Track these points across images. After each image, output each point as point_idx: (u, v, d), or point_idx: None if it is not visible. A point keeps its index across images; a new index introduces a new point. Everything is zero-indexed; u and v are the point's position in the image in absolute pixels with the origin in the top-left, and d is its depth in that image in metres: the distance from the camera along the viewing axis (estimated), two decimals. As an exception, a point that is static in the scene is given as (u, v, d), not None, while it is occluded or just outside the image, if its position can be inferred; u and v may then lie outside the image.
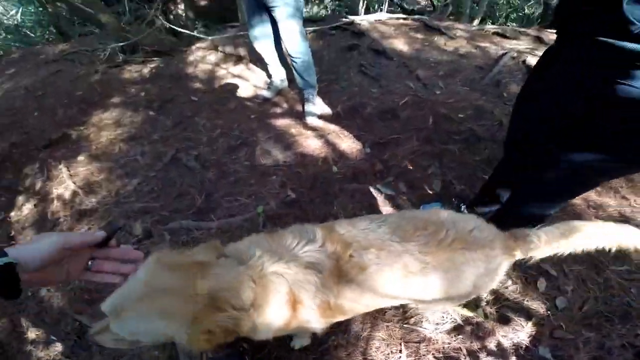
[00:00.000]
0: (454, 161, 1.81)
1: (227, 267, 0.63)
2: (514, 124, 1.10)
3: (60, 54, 3.56)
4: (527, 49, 2.99)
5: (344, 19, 3.45)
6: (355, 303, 0.72)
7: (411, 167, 1.75)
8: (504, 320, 1.18)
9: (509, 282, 1.23)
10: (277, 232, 0.77)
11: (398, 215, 0.83)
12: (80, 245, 0.50)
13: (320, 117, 2.25)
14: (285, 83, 2.56)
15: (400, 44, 3.13)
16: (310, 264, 0.68)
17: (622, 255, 1.26)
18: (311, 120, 2.22)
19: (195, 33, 3.42)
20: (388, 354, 1.09)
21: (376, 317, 1.17)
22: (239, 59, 2.97)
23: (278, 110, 2.35)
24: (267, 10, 2.06)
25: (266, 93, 2.50)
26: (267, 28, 2.19)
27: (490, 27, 3.66)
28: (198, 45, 3.21)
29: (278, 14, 2.00)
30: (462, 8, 5.07)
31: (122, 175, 1.79)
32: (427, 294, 0.74)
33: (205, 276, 0.58)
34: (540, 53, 2.71)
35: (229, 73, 2.78)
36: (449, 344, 1.12)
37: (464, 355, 1.10)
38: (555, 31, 0.95)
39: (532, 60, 2.73)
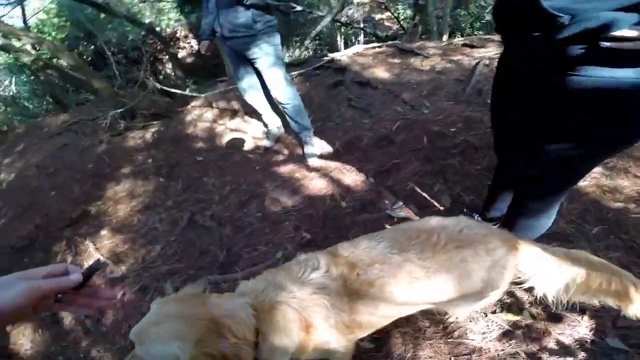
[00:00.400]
0: (457, 174, 1.92)
1: (228, 297, 0.75)
2: (493, 129, 1.25)
3: (62, 125, 3.88)
4: (496, 54, 3.24)
5: (324, 58, 3.78)
6: (372, 316, 0.81)
7: (417, 188, 1.88)
8: (556, 319, 1.20)
9: None
10: (283, 267, 0.88)
11: (393, 229, 0.94)
12: (52, 292, 0.48)
13: (321, 156, 2.41)
14: (282, 130, 2.75)
15: (381, 72, 3.41)
16: (318, 289, 0.78)
17: None
18: (312, 161, 2.37)
19: (187, 92, 3.74)
20: None
21: (417, 336, 1.21)
22: (234, 113, 3.24)
23: (280, 157, 2.53)
24: (250, 63, 2.23)
25: (266, 142, 2.69)
26: (254, 79, 2.37)
27: (458, 40, 3.99)
28: (193, 104, 3.51)
29: (260, 65, 2.16)
30: (430, 26, 5.49)
31: (145, 244, 1.95)
32: (440, 295, 0.82)
33: (205, 304, 0.69)
34: None
35: (227, 128, 3.03)
36: (503, 350, 1.14)
37: (522, 358, 1.11)
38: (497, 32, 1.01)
39: None
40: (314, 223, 1.77)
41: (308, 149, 2.44)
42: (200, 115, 3.26)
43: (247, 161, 2.52)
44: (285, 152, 2.60)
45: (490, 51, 3.39)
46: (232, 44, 2.13)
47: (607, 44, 0.65)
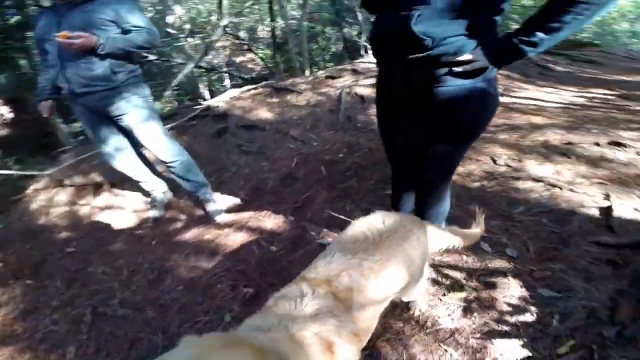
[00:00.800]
0: (358, 193, 2.49)
1: (260, 335, 0.86)
2: (386, 148, 1.71)
3: None
4: (352, 82, 4.29)
5: (199, 107, 4.11)
6: (367, 319, 1.07)
7: (334, 213, 2.32)
8: (491, 286, 1.63)
9: (464, 257, 1.82)
10: (268, 307, 1.01)
11: (334, 243, 1.25)
12: None
13: (228, 210, 2.59)
14: (169, 194, 2.78)
15: (264, 113, 3.96)
16: (318, 310, 0.97)
17: (512, 201, 2.12)
18: (221, 218, 2.51)
19: (23, 172, 3.36)
20: (440, 357, 1.41)
21: (400, 338, 1.48)
22: (97, 188, 3.10)
23: (178, 224, 2.58)
24: (114, 121, 2.21)
25: (154, 213, 2.66)
26: (121, 141, 2.34)
27: (320, 73, 5.04)
28: (33, 187, 3.17)
29: (130, 121, 2.16)
30: (292, 62, 6.63)
31: (50, 348, 1.74)
32: (398, 281, 1.15)
33: (246, 345, 0.75)
34: (361, 82, 4.06)
35: (95, 207, 2.88)
36: (473, 323, 1.50)
37: (492, 326, 1.46)
38: (375, 60, 1.42)
39: (360, 90, 3.97)
40: (250, 276, 1.97)
41: (211, 207, 2.55)
42: (50, 199, 2.98)
43: (138, 239, 2.50)
44: (182, 217, 2.68)
45: (348, 80, 4.45)
46: (87, 101, 2.09)
47: (458, 69, 1.19)
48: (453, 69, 1.19)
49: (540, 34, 1.07)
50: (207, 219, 2.57)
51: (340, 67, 5.17)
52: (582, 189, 2.10)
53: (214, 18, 9.76)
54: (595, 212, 1.92)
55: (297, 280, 1.11)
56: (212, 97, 9.02)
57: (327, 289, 1.03)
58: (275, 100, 4.22)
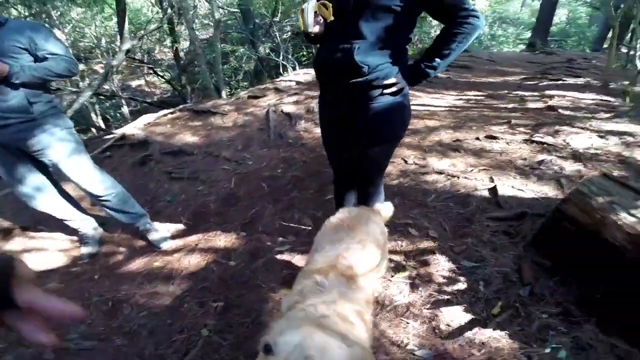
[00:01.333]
0: (303, 201, 2.81)
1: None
2: (331, 160, 2.09)
3: None
4: (277, 100, 4.66)
5: (111, 136, 3.94)
6: (369, 287, 1.30)
7: (284, 223, 2.60)
8: (425, 264, 2.00)
9: (399, 242, 2.23)
10: (292, 309, 1.13)
11: (320, 238, 1.53)
12: None
13: (173, 237, 2.63)
14: (100, 229, 2.68)
15: (188, 137, 4.00)
16: (339, 291, 1.17)
17: (425, 191, 2.64)
18: (167, 245, 2.53)
19: None
20: (404, 329, 1.71)
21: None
22: (7, 233, 2.80)
23: (119, 257, 2.54)
24: (30, 157, 2.12)
25: (88, 250, 2.54)
26: (41, 179, 2.23)
27: (243, 93, 5.28)
28: None
29: (54, 156, 2.09)
30: (206, 84, 6.68)
31: None
32: (377, 254, 1.44)
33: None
34: (285, 100, 4.48)
35: (9, 252, 2.62)
36: (421, 297, 1.81)
37: (437, 297, 1.80)
38: (317, 80, 1.77)
39: (286, 107, 4.36)
40: (215, 291, 2.08)
41: (154, 236, 2.55)
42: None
43: (76, 275, 2.37)
44: (122, 249, 2.62)
45: (272, 98, 4.78)
46: (0, 135, 1.98)
47: (387, 90, 1.59)
48: (384, 90, 1.61)
49: (437, 60, 1.53)
50: (150, 249, 2.57)
51: (262, 86, 5.46)
52: (473, 176, 2.76)
53: (104, 42, 9.20)
54: (486, 193, 2.55)
55: (305, 275, 1.31)
56: (106, 125, 8.43)
57: (335, 272, 1.24)
58: (197, 123, 4.29)
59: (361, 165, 1.89)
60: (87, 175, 2.23)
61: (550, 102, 4.23)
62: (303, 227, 2.55)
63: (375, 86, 1.59)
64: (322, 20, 1.57)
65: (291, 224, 2.57)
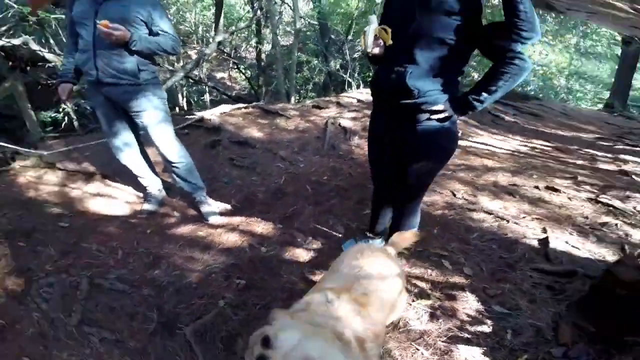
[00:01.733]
0: (341, 210, 2.88)
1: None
2: (371, 163, 2.12)
3: None
4: (337, 114, 4.81)
5: (192, 117, 4.37)
6: (380, 322, 1.28)
7: (318, 225, 2.69)
8: (452, 298, 1.92)
9: (429, 270, 2.18)
10: (302, 311, 1.15)
11: (338, 262, 1.51)
12: None
13: (221, 214, 2.85)
14: (164, 192, 2.98)
15: (254, 132, 4.30)
16: (347, 312, 1.15)
17: (468, 228, 2.55)
18: (214, 219, 2.74)
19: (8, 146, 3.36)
20: (411, 355, 1.67)
21: None
22: (89, 176, 3.22)
23: (172, 219, 2.82)
24: (128, 116, 2.38)
25: (148, 207, 2.84)
26: (130, 136, 2.52)
27: (309, 102, 5.52)
28: (19, 163, 3.24)
29: (147, 119, 2.32)
30: (279, 88, 7.10)
31: (48, 309, 1.83)
32: (398, 285, 1.46)
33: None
34: (345, 115, 4.62)
35: (87, 193, 3.01)
36: (439, 328, 1.74)
37: (455, 332, 1.72)
38: (372, 98, 1.89)
39: (344, 122, 4.49)
40: (243, 270, 2.22)
41: (206, 208, 2.79)
42: (39, 177, 3.07)
43: (132, 226, 2.68)
44: (176, 214, 2.90)
45: (333, 111, 4.96)
46: (111, 91, 2.23)
47: (434, 116, 1.66)
48: (431, 116, 1.68)
49: (484, 94, 1.58)
50: (200, 219, 2.81)
51: (326, 98, 5.70)
52: (525, 223, 2.60)
53: (200, 30, 10.18)
54: (535, 243, 2.40)
55: (316, 290, 1.34)
56: (188, 108, 9.26)
57: (348, 296, 1.22)
58: (264, 121, 4.59)
59: (402, 183, 1.93)
60: (168, 141, 2.48)
61: (624, 167, 3.86)
62: (335, 233, 2.62)
63: (423, 110, 1.66)
64: (382, 43, 1.69)
65: (324, 228, 2.65)
